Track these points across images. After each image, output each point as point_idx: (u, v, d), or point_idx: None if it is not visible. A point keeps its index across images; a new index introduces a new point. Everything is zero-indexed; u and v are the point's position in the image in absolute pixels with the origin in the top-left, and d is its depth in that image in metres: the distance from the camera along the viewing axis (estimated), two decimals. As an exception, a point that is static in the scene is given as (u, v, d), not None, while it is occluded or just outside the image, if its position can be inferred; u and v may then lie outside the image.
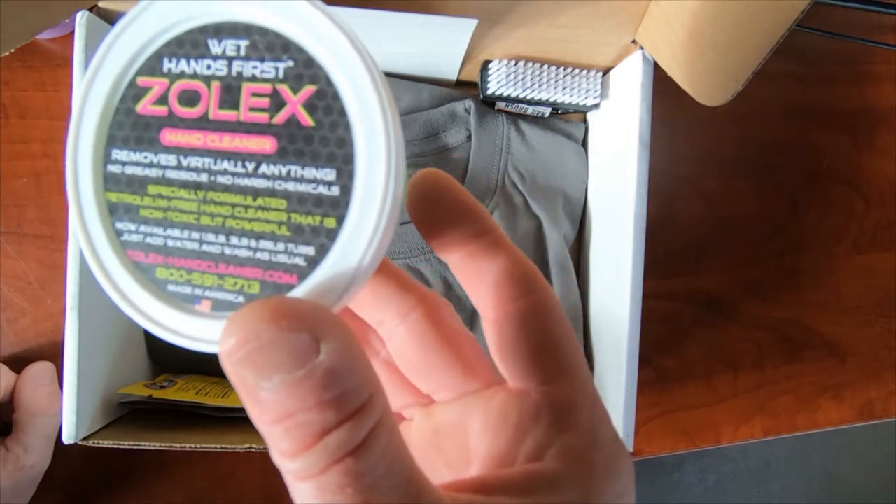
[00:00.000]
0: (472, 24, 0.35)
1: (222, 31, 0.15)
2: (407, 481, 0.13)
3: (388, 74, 0.38)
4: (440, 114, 0.42)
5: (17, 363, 0.40)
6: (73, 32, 0.32)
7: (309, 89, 0.14)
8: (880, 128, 0.52)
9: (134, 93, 0.15)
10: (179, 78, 0.15)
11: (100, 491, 0.43)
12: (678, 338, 0.49)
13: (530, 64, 0.40)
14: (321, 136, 0.14)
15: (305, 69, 0.14)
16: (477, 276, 0.17)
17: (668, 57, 0.34)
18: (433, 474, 0.15)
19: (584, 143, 0.45)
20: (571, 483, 0.15)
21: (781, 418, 0.50)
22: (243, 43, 0.15)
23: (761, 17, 0.29)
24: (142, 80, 0.15)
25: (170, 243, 0.15)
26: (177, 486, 0.43)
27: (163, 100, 0.15)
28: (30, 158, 0.41)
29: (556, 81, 0.40)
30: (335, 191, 0.14)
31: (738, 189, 0.50)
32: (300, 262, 0.15)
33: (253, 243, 0.15)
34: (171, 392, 0.36)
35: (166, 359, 0.41)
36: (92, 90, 0.15)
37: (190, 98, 0.15)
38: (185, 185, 0.15)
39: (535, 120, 0.44)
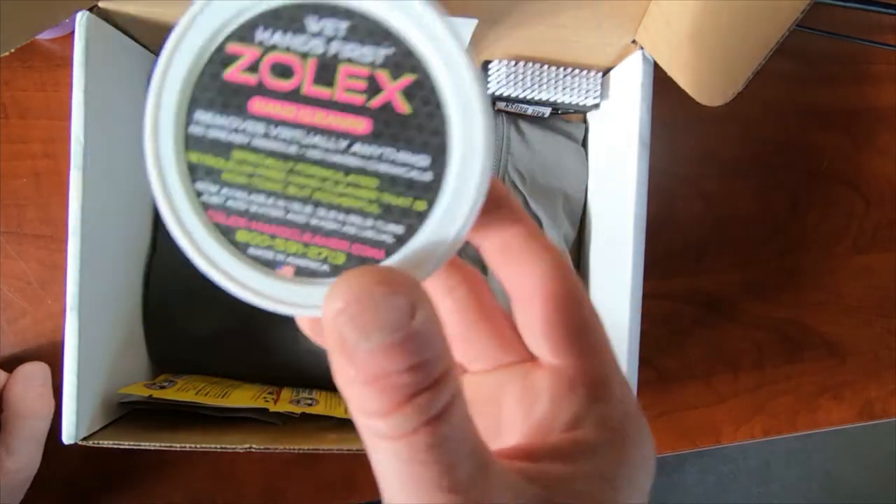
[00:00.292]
0: (472, 24, 0.35)
1: (322, 10, 0.15)
2: (478, 448, 0.14)
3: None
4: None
5: (17, 363, 0.39)
6: (73, 32, 0.32)
7: (408, 78, 0.15)
8: (880, 128, 0.52)
9: (221, 58, 0.16)
10: (273, 50, 0.15)
11: (100, 491, 0.43)
12: (678, 338, 0.49)
13: (530, 64, 0.40)
14: (417, 123, 0.15)
15: (405, 58, 0.15)
16: (516, 262, 0.19)
17: (668, 57, 0.34)
18: None
19: (584, 144, 0.45)
20: (608, 449, 0.17)
21: (781, 418, 0.50)
22: (343, 24, 0.15)
23: (761, 17, 0.29)
24: (231, 48, 0.16)
25: (253, 209, 0.16)
26: (177, 486, 0.43)
27: (253, 69, 0.15)
28: (30, 158, 0.41)
29: (555, 81, 0.40)
30: (427, 176, 0.15)
31: (738, 189, 0.50)
32: (388, 239, 0.16)
33: (341, 217, 0.16)
34: (171, 392, 0.36)
35: (166, 359, 0.41)
36: (177, 53, 0.16)
37: (284, 70, 0.15)
38: (272, 153, 0.16)
39: (535, 120, 0.44)
